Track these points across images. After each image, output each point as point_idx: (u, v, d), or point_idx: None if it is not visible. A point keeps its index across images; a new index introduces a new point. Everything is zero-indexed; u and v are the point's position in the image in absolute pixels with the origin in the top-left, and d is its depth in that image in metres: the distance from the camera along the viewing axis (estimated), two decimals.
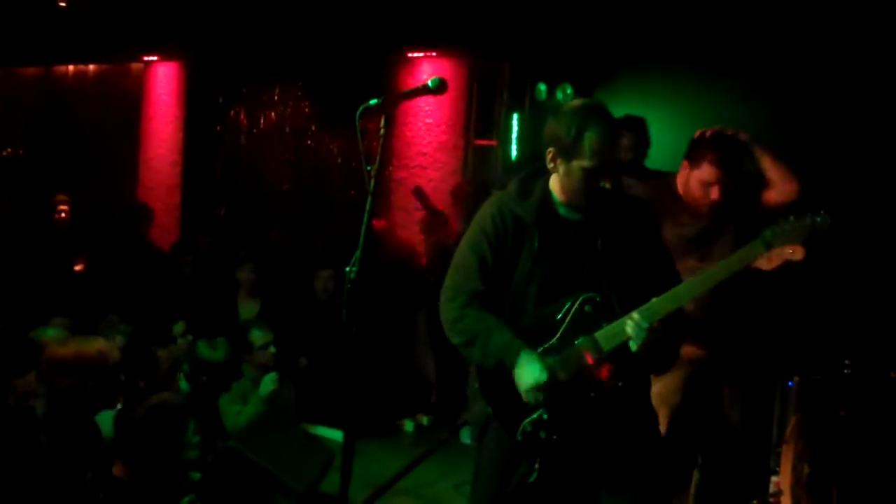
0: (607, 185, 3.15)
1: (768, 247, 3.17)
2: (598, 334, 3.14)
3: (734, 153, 4.21)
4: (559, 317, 3.18)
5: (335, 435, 5.70)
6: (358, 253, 3.03)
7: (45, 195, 9.03)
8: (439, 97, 8.08)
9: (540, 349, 3.15)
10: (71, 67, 11.46)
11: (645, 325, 3.04)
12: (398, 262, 7.58)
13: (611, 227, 3.22)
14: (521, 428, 3.18)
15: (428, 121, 8.21)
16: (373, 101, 3.08)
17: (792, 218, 3.20)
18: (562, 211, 3.25)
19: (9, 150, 11.81)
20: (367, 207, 3.04)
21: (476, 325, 3.21)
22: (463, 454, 6.21)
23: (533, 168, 3.32)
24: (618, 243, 3.20)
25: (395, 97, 3.15)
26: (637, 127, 5.64)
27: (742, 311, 5.43)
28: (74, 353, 3.66)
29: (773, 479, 4.93)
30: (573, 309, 3.17)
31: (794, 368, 5.26)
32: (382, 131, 3.05)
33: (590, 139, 3.05)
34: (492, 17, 7.08)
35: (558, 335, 3.18)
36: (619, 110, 6.84)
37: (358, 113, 3.07)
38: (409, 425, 6.91)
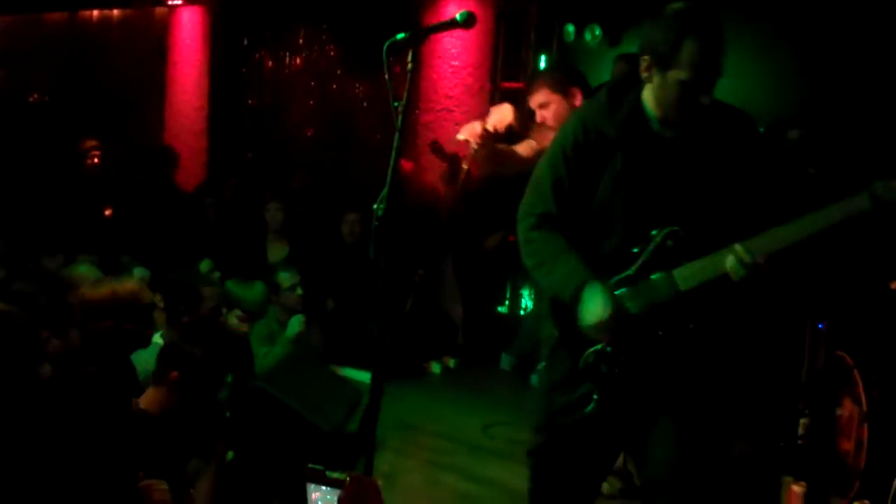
0: (706, 101, 2.85)
1: (876, 201, 2.87)
2: (677, 272, 2.95)
3: None
4: (636, 249, 2.98)
5: (362, 376, 5.72)
6: (385, 190, 3.00)
7: (71, 141, 9.04)
8: (466, 39, 8.07)
9: (614, 280, 2.99)
10: (95, 13, 11.41)
11: (749, 259, 2.83)
12: (425, 204, 7.55)
13: (710, 148, 2.94)
14: (583, 357, 3.03)
15: (454, 63, 8.12)
16: (400, 36, 3.02)
17: None
18: (655, 127, 2.99)
19: (35, 95, 11.81)
20: (395, 145, 2.99)
21: (544, 248, 3.05)
22: (491, 397, 6.26)
23: (625, 76, 3.11)
24: (716, 168, 2.93)
25: (422, 31, 3.07)
26: None
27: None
28: (109, 294, 3.64)
29: (802, 421, 4.92)
30: (655, 241, 2.96)
31: (825, 310, 5.24)
32: (410, 66, 2.99)
33: (689, 48, 2.80)
34: None
35: (635, 267, 2.99)
36: None
37: (385, 47, 3.02)
38: (436, 367, 6.93)
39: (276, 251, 6.92)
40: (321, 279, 6.50)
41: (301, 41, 9.56)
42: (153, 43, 10.47)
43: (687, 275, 2.94)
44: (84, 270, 4.82)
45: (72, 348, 3.93)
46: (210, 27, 10.04)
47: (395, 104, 2.99)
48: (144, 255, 6.34)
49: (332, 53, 9.29)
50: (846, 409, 4.61)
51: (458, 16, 2.98)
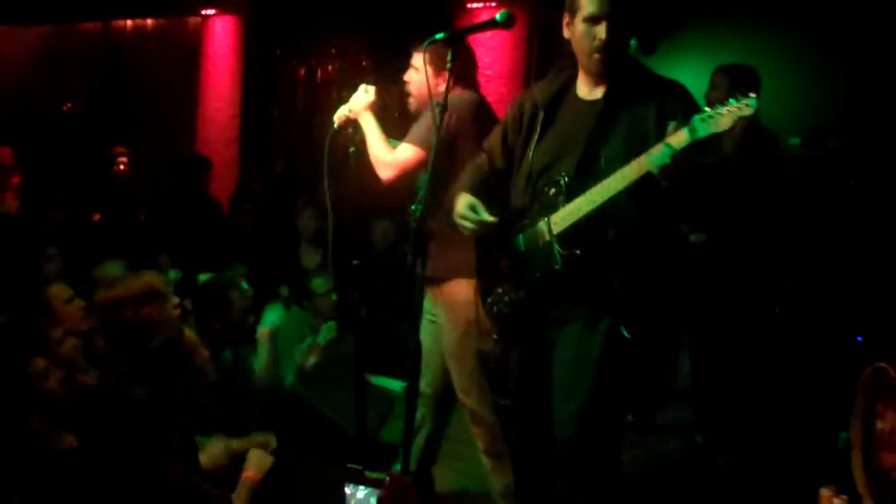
0: (614, 39, 2.99)
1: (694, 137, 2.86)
2: (554, 216, 3.08)
3: None
4: (529, 199, 3.21)
5: (394, 385, 5.67)
6: (423, 191, 2.97)
7: (104, 149, 9.07)
8: (499, 49, 8.03)
9: (514, 228, 3.23)
10: (129, 22, 11.47)
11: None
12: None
13: (625, 113, 3.06)
14: (488, 302, 3.35)
15: (487, 73, 8.07)
16: (439, 36, 3.02)
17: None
18: (580, 91, 3.18)
19: (69, 104, 11.87)
20: (433, 144, 2.97)
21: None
22: None
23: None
24: (624, 133, 3.04)
25: (462, 30, 3.08)
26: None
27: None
28: (123, 290, 3.63)
29: (843, 434, 4.83)
30: (541, 189, 3.17)
31: (863, 323, 5.16)
32: (449, 66, 2.98)
33: None
34: None
35: (529, 215, 3.20)
36: (684, 64, 6.75)
37: (424, 46, 3.01)
38: None
39: (310, 258, 6.89)
40: (354, 286, 6.45)
41: (333, 50, 9.57)
42: (186, 52, 10.52)
43: (558, 218, 3.06)
44: (111, 269, 4.84)
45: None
46: (243, 36, 10.06)
47: (435, 104, 2.97)
48: (177, 263, 6.34)
49: (364, 62, 9.28)
50: (888, 421, 4.51)
51: (497, 15, 2.98)
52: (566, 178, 3.07)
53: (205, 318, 4.80)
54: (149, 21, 11.25)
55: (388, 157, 3.97)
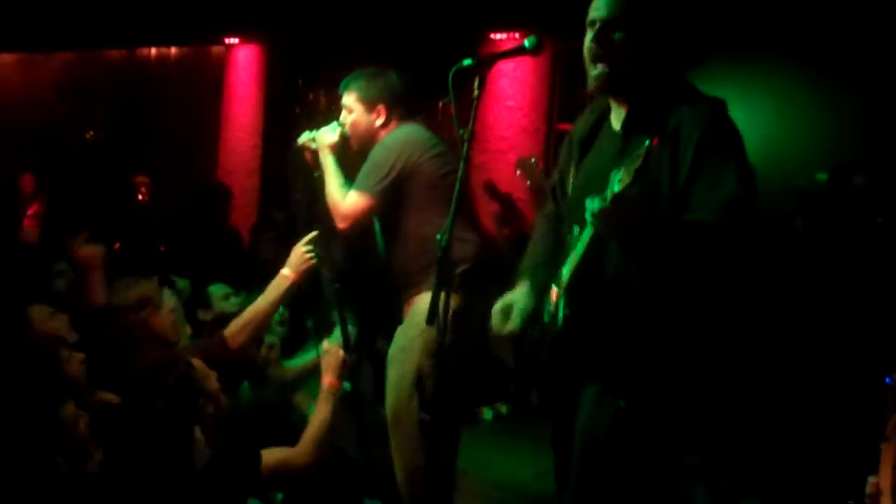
0: (619, 42, 2.67)
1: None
2: (565, 267, 2.77)
3: None
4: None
5: None
6: (450, 221, 2.90)
7: (126, 178, 9.07)
8: (522, 80, 8.01)
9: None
10: (153, 51, 11.54)
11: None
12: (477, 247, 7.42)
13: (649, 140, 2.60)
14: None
15: (510, 104, 8.05)
16: (466, 62, 2.95)
17: None
18: (612, 120, 2.84)
19: (91, 132, 11.92)
20: (460, 174, 2.91)
21: (530, 247, 3.17)
22: (544, 445, 6.06)
23: None
24: (647, 165, 2.56)
25: (489, 57, 3.01)
26: None
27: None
28: (118, 300, 3.61)
29: (871, 479, 4.71)
30: (566, 234, 2.86)
31: (890, 363, 5.05)
32: (476, 93, 2.91)
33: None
34: None
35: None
36: None
37: (451, 74, 2.94)
38: (487, 413, 6.76)
39: (331, 289, 6.81)
40: (373, 318, 6.38)
41: None
42: (210, 81, 10.55)
43: (566, 270, 2.77)
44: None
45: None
46: (266, 65, 10.08)
47: (462, 132, 2.90)
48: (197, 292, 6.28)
49: None
50: None
51: (526, 42, 2.90)
52: (575, 227, 2.75)
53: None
54: (172, 50, 11.31)
55: (342, 207, 3.90)
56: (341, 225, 3.93)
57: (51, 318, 3.97)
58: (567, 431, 2.88)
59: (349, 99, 4.05)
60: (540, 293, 2.92)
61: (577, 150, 2.92)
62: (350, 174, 4.00)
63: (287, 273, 4.09)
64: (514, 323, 2.91)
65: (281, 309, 5.05)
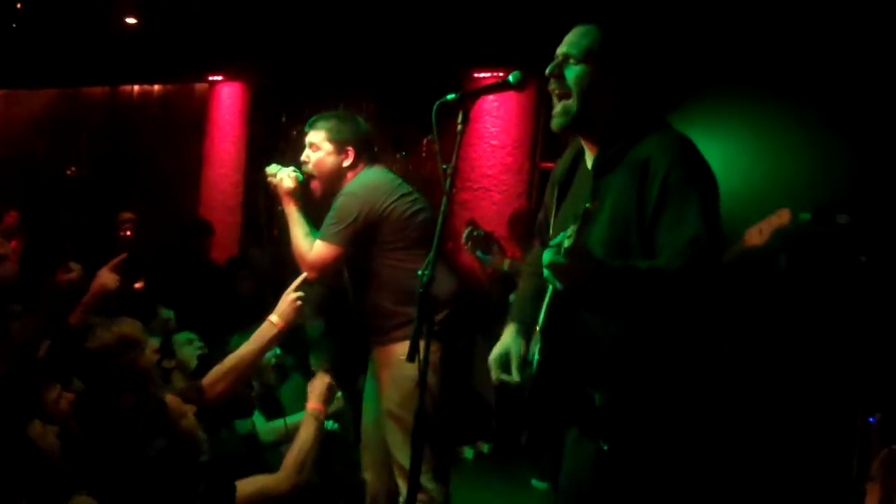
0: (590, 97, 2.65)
1: None
2: (542, 308, 2.70)
3: None
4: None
5: None
6: (431, 255, 2.86)
7: (108, 214, 9.01)
8: (506, 119, 8.02)
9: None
10: (136, 87, 11.53)
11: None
12: (461, 283, 7.38)
13: (616, 181, 2.61)
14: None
15: (493, 142, 8.06)
16: (450, 96, 2.94)
17: None
18: (586, 158, 2.80)
19: (73, 168, 11.87)
20: (443, 208, 2.87)
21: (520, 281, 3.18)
22: (526, 485, 6.01)
23: None
24: (612, 207, 2.58)
25: (473, 92, 2.98)
26: None
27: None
28: (99, 341, 3.55)
29: None
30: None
31: (875, 404, 5.03)
32: (460, 128, 2.89)
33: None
34: (559, 36, 6.93)
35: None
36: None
37: (434, 108, 2.93)
38: (468, 452, 6.70)
39: (314, 328, 6.74)
40: (354, 356, 6.32)
41: None
42: (192, 118, 10.54)
43: (541, 313, 2.71)
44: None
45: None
46: (249, 102, 10.08)
47: (444, 166, 2.88)
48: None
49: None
50: None
51: (510, 76, 2.87)
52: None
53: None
54: (155, 87, 11.30)
55: (308, 257, 3.88)
56: (310, 275, 3.90)
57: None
58: (559, 471, 2.84)
59: (317, 137, 4.00)
60: (528, 331, 2.88)
61: (556, 191, 2.90)
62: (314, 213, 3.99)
63: (275, 321, 4.01)
64: (514, 375, 2.85)
65: (278, 351, 5.00)
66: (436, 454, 3.85)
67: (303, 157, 4.04)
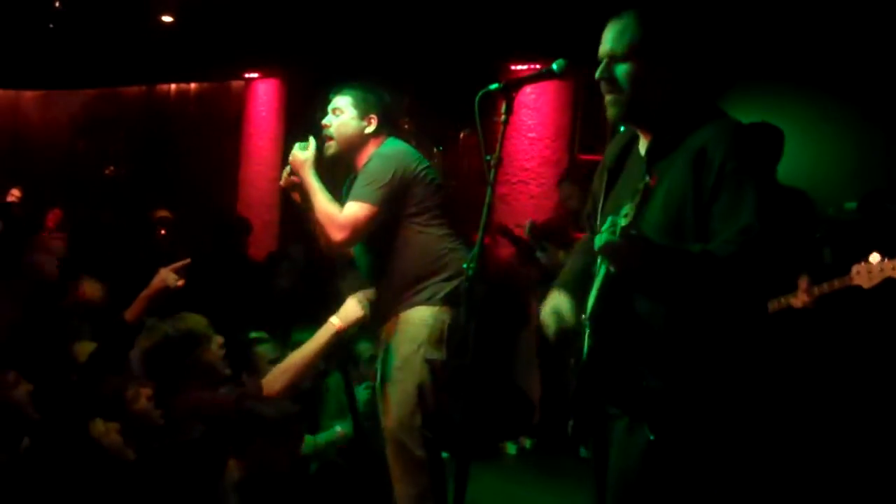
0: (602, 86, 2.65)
1: None
2: (591, 295, 2.68)
3: None
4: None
5: None
6: (477, 248, 2.82)
7: (146, 212, 9.06)
8: (543, 111, 7.95)
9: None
10: (173, 86, 11.58)
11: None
12: (499, 279, 7.34)
13: (670, 168, 2.57)
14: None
15: (531, 135, 7.99)
16: (493, 86, 2.89)
17: None
18: (641, 146, 2.75)
19: (111, 168, 11.96)
20: (487, 200, 2.83)
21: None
22: (568, 481, 5.95)
23: None
24: (666, 194, 2.53)
25: (517, 81, 2.93)
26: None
27: None
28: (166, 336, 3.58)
29: None
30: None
31: None
32: (504, 118, 2.84)
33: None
34: (598, 27, 6.86)
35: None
36: None
37: (477, 98, 2.88)
38: (511, 448, 6.66)
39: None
40: None
41: None
42: (229, 116, 10.58)
43: (590, 298, 2.68)
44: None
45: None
46: (286, 100, 10.08)
47: (487, 157, 2.83)
48: (217, 325, 6.22)
49: (405, 126, 9.20)
50: None
51: (554, 65, 2.82)
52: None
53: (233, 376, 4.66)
54: (192, 85, 11.35)
55: (339, 218, 3.78)
56: (340, 236, 3.78)
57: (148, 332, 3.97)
58: (603, 465, 2.77)
59: (342, 101, 4.00)
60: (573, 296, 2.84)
61: (606, 177, 2.84)
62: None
63: (335, 322, 3.99)
64: (570, 319, 2.79)
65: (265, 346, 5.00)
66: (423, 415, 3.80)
67: (324, 121, 4.03)
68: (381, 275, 3.96)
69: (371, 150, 3.95)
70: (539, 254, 6.76)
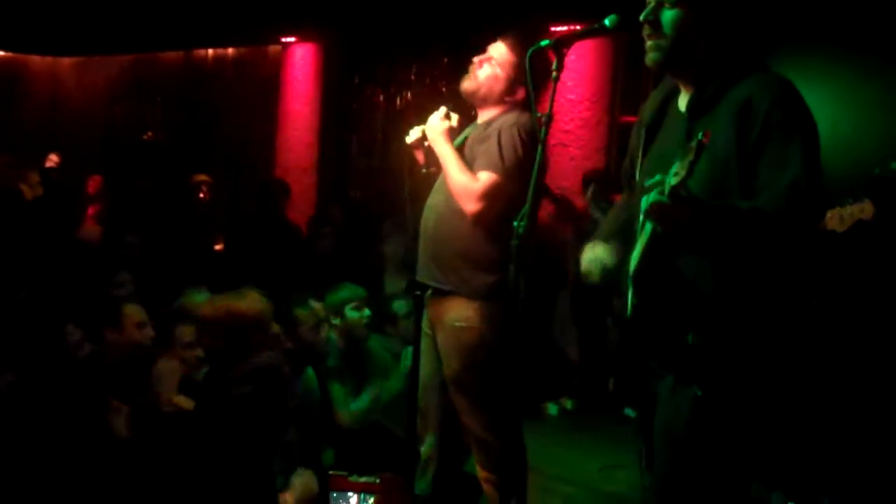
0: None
1: None
2: (634, 254, 2.63)
3: None
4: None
5: None
6: (527, 207, 2.82)
7: (184, 177, 9.12)
8: (582, 72, 7.89)
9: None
10: (210, 51, 11.60)
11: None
12: (537, 241, 7.32)
13: (713, 123, 2.51)
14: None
15: (570, 96, 7.93)
16: (544, 42, 2.88)
17: None
18: (680, 102, 2.72)
19: (150, 133, 12.03)
20: (538, 158, 2.83)
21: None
22: (611, 440, 5.98)
23: None
24: (710, 150, 2.42)
25: (568, 37, 2.90)
26: None
27: None
28: (225, 311, 3.61)
29: None
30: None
31: None
32: (554, 75, 2.83)
33: None
34: None
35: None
36: None
37: (528, 55, 2.88)
38: (552, 409, 6.68)
39: (394, 284, 6.75)
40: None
41: (413, 77, 9.51)
42: (266, 80, 10.60)
43: (633, 258, 2.63)
44: (200, 298, 4.79)
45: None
46: (322, 63, 10.08)
47: (538, 115, 2.83)
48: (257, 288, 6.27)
49: (443, 89, 9.18)
50: None
51: (606, 20, 2.81)
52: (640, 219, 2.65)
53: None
54: (230, 50, 11.36)
55: (475, 188, 3.62)
56: (474, 207, 3.61)
57: (142, 325, 4.04)
58: (648, 423, 2.78)
59: (503, 56, 3.82)
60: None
61: (644, 134, 2.82)
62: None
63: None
64: (609, 260, 2.79)
65: (368, 311, 5.03)
66: (490, 409, 3.74)
67: (476, 58, 3.86)
68: (434, 236, 3.83)
69: (499, 113, 3.82)
70: (596, 213, 6.72)
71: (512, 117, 3.75)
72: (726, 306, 2.53)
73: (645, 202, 2.37)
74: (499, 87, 3.80)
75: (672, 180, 2.26)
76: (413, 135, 3.93)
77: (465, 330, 3.69)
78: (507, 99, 3.82)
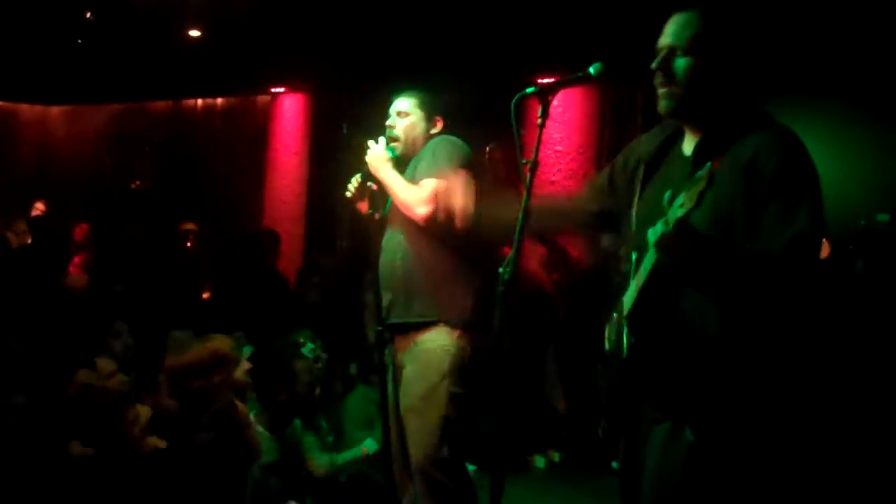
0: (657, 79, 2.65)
1: None
2: (627, 293, 2.66)
3: None
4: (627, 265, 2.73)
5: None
6: (513, 253, 2.79)
7: (172, 226, 9.10)
8: (570, 124, 7.93)
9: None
10: (199, 101, 11.65)
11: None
12: (525, 293, 7.30)
13: (720, 170, 2.41)
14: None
15: (558, 148, 7.97)
16: (529, 90, 2.88)
17: None
18: (684, 146, 2.74)
19: (138, 182, 12.03)
20: (523, 205, 2.81)
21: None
22: (598, 494, 5.90)
23: None
24: (714, 196, 2.42)
25: (552, 84, 2.91)
26: None
27: None
28: (194, 356, 3.61)
29: None
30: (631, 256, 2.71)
31: None
32: (540, 122, 2.82)
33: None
34: (625, 41, 6.85)
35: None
36: None
37: (513, 102, 2.88)
38: (539, 461, 6.61)
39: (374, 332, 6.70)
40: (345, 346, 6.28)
41: None
42: (255, 130, 10.63)
43: (628, 297, 2.66)
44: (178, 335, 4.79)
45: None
46: (311, 113, 10.11)
47: (524, 162, 2.82)
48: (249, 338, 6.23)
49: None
50: None
51: (591, 68, 2.83)
52: (633, 255, 2.67)
53: (269, 390, 4.67)
54: (218, 100, 11.40)
55: (422, 192, 3.73)
56: (424, 210, 3.71)
57: (113, 375, 3.99)
58: (635, 470, 2.73)
59: (407, 104, 4.04)
60: None
61: (643, 170, 2.82)
62: None
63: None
64: None
65: (313, 346, 4.98)
66: (441, 439, 3.76)
67: (388, 122, 4.06)
68: (404, 273, 3.88)
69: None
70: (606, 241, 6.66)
71: (437, 137, 3.96)
72: (732, 351, 2.51)
73: (651, 234, 2.36)
74: (420, 126, 4.01)
75: (678, 212, 2.26)
76: (350, 187, 4.07)
77: (439, 353, 3.74)
78: (431, 133, 4.01)
